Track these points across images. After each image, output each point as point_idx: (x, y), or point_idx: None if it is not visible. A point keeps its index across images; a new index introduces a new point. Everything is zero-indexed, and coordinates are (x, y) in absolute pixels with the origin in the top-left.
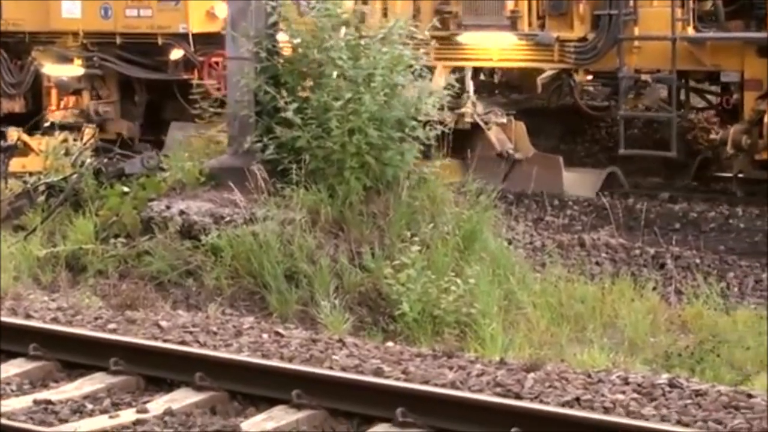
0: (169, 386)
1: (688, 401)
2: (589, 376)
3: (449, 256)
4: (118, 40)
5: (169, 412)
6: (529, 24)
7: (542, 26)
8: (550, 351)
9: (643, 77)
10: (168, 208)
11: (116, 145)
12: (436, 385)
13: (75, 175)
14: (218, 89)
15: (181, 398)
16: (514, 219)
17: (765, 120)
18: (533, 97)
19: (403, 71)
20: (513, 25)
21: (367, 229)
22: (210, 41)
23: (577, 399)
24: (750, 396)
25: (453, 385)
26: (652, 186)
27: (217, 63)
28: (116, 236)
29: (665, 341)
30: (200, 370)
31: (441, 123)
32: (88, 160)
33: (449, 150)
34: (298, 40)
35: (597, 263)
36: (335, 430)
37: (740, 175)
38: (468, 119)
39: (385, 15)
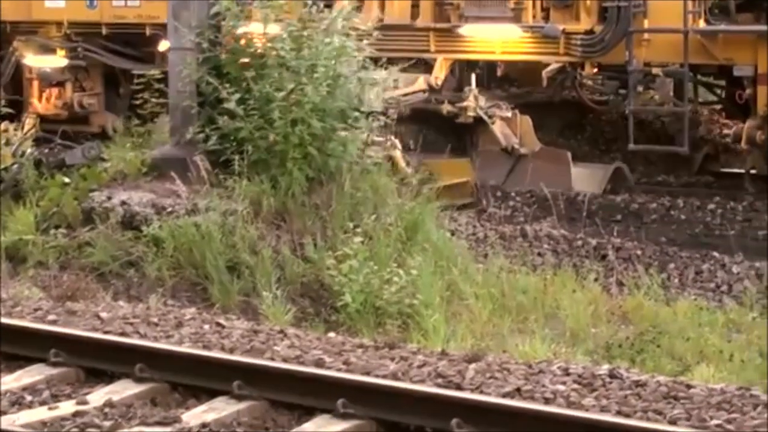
0: (109, 378)
1: (628, 392)
2: (530, 366)
3: (392, 247)
4: (104, 31)
5: (109, 404)
6: (533, 16)
7: (546, 18)
8: (492, 342)
9: (654, 71)
10: (109, 198)
11: (57, 136)
12: (377, 376)
13: (15, 166)
14: None
15: (122, 390)
16: (457, 210)
17: None
18: (532, 90)
19: (347, 62)
20: (517, 16)
21: (310, 220)
22: None
23: (518, 389)
24: (689, 386)
25: (394, 376)
26: (656, 182)
27: None
28: (57, 227)
29: (606, 332)
30: (141, 362)
31: (384, 114)
32: (29, 150)
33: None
34: (240, 31)
35: (539, 254)
36: (276, 421)
37: (753, 171)
38: (471, 113)
39: (382, 8)
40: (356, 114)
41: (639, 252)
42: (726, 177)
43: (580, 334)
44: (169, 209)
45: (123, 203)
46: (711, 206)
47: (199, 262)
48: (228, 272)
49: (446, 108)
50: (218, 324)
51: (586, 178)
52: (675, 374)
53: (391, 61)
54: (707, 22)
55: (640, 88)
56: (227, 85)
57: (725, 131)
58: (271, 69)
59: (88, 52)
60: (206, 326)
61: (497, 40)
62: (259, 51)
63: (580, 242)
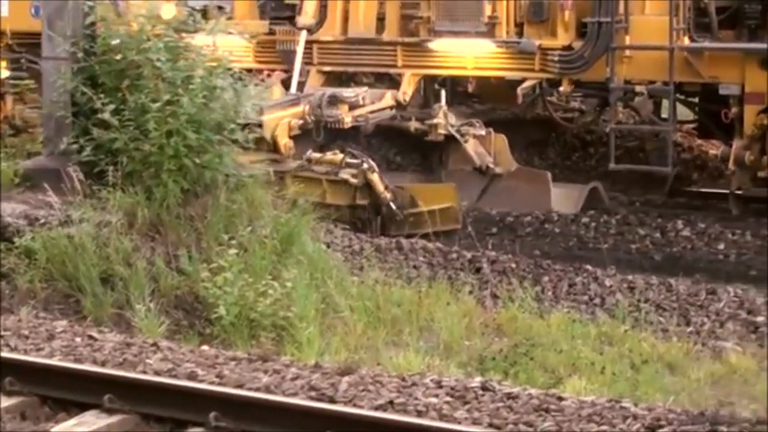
0: None
1: (500, 404)
2: (404, 379)
3: (267, 259)
4: None
5: None
6: (507, 31)
7: (520, 33)
8: (366, 354)
9: (638, 88)
10: None
11: None
12: (250, 389)
13: None
14: None
15: None
16: (333, 222)
17: None
18: (496, 107)
19: (223, 74)
20: (490, 31)
21: (185, 232)
22: None
23: (391, 402)
24: (560, 399)
25: (267, 389)
26: (629, 202)
27: None
28: None
29: (480, 344)
30: (10, 375)
31: (259, 126)
32: None
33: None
34: (116, 41)
35: (414, 267)
36: None
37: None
38: (441, 131)
39: (346, 19)
40: (232, 126)
41: (513, 265)
42: (698, 197)
43: (454, 346)
44: (42, 220)
45: None
46: (584, 219)
47: (72, 274)
48: (101, 284)
49: (414, 125)
50: (90, 337)
51: (562, 199)
52: (547, 386)
53: (354, 75)
54: (692, 39)
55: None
56: (102, 96)
57: (703, 151)
58: (147, 80)
59: (32, 64)
60: (78, 339)
61: (469, 55)
62: (134, 61)
63: (455, 255)
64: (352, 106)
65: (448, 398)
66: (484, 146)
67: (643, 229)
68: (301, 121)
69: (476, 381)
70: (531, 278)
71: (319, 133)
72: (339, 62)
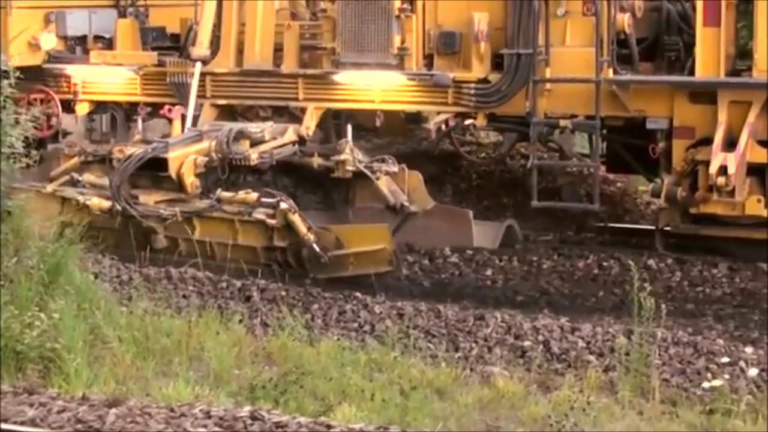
0: None
1: None
2: (172, 410)
3: (33, 290)
4: None
5: None
6: (416, 63)
7: (429, 65)
8: (135, 385)
9: (562, 123)
10: None
11: None
12: (15, 422)
13: None
14: (37, 128)
15: None
16: (101, 253)
17: (702, 171)
18: (395, 142)
19: None
20: (400, 64)
21: None
22: (30, 76)
23: None
24: (329, 426)
25: (33, 422)
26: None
27: (36, 100)
28: None
29: (250, 373)
30: None
31: (26, 156)
32: None
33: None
34: None
35: (184, 296)
36: None
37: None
38: (349, 167)
39: (240, 50)
40: None
41: (283, 293)
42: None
43: (224, 375)
44: None
45: None
46: None
47: None
48: None
49: (317, 161)
50: None
51: (480, 236)
52: (317, 414)
53: (249, 109)
54: (615, 71)
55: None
56: None
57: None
58: None
59: None
60: None
61: (377, 88)
62: None
63: (224, 284)
64: (255, 142)
65: (217, 428)
66: (397, 183)
67: (411, 256)
68: (206, 158)
69: (245, 410)
70: (301, 306)
71: (224, 170)
72: (234, 95)
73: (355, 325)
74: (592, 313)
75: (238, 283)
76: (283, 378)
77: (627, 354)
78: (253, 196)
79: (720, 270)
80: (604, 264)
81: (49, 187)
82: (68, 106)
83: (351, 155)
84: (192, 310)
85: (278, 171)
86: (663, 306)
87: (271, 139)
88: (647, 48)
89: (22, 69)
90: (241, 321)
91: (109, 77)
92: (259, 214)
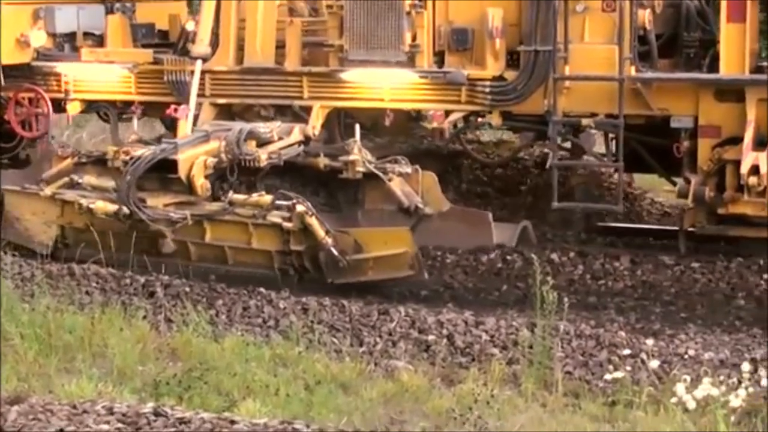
0: None
1: (173, 429)
2: (75, 407)
3: None
4: None
5: None
6: (427, 61)
7: (440, 63)
8: (38, 382)
9: (585, 122)
10: None
11: None
12: None
13: None
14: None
15: None
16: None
17: (730, 170)
18: (398, 141)
19: None
20: (411, 61)
21: None
22: (18, 73)
23: (61, 430)
24: (233, 422)
25: None
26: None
27: (24, 98)
28: None
29: (154, 369)
30: None
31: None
32: None
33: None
34: None
35: (87, 293)
36: None
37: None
38: (360, 168)
39: (240, 47)
40: None
41: (187, 289)
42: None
43: (128, 372)
44: None
45: None
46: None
47: None
48: None
49: (324, 162)
50: None
51: (499, 238)
52: (221, 410)
53: (249, 108)
54: (637, 69)
55: (559, 140)
56: None
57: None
58: None
59: None
60: None
61: (387, 86)
62: None
63: (128, 280)
64: (262, 143)
65: (120, 425)
66: (410, 185)
67: None
68: (215, 160)
69: (149, 407)
70: (205, 302)
71: (233, 171)
72: (235, 94)
73: (260, 320)
74: (496, 306)
75: (142, 279)
76: (187, 374)
77: (530, 347)
78: (268, 198)
79: (622, 263)
80: (508, 258)
81: (48, 190)
82: (59, 106)
83: (360, 155)
84: (95, 307)
85: (278, 171)
86: (565, 299)
87: (278, 140)
88: (664, 44)
89: (9, 67)
90: (144, 317)
91: (101, 75)
92: (275, 217)
